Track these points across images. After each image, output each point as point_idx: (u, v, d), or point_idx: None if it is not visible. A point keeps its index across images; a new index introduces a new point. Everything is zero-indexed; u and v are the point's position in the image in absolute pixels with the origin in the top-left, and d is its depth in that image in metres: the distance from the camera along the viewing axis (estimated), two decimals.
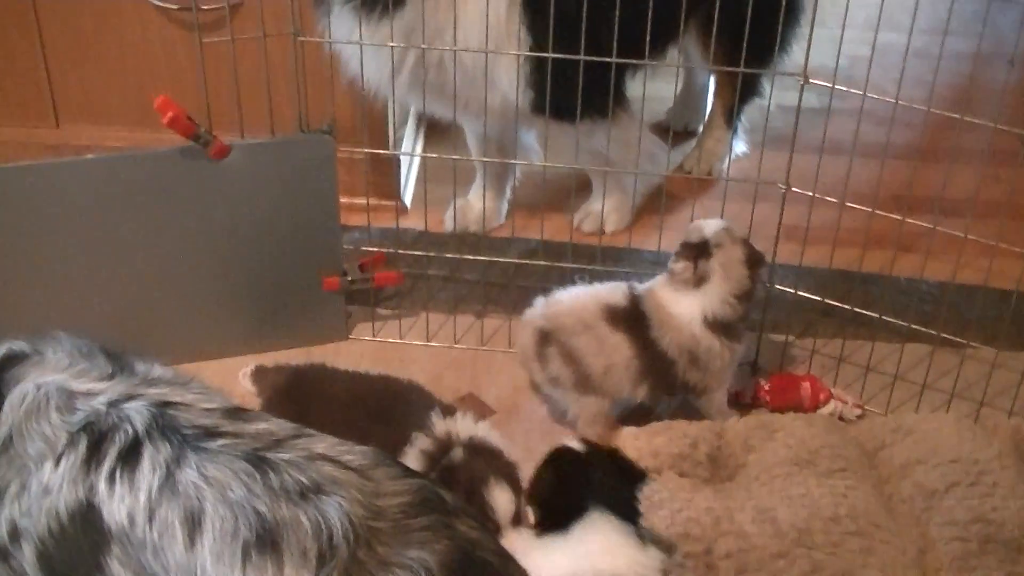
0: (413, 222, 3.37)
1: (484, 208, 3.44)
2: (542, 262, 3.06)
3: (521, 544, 2.19)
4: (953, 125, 2.65)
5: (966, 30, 2.86)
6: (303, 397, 2.65)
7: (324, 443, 1.84)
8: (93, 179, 2.79)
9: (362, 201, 3.10)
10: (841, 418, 2.83)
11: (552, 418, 2.84)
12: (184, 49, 3.31)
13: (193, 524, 1.73)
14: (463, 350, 3.03)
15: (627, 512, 2.24)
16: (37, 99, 3.49)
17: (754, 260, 2.69)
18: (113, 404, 1.86)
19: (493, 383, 2.87)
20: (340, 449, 1.83)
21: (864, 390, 2.91)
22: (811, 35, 2.64)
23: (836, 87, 2.67)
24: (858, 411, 2.86)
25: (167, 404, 1.88)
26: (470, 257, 3.11)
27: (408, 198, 3.58)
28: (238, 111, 2.83)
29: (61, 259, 2.81)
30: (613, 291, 2.76)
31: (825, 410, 2.83)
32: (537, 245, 3.24)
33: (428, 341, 3.05)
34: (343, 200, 2.97)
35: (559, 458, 2.35)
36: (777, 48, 3.21)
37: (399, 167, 3.52)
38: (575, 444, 2.36)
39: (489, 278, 3.23)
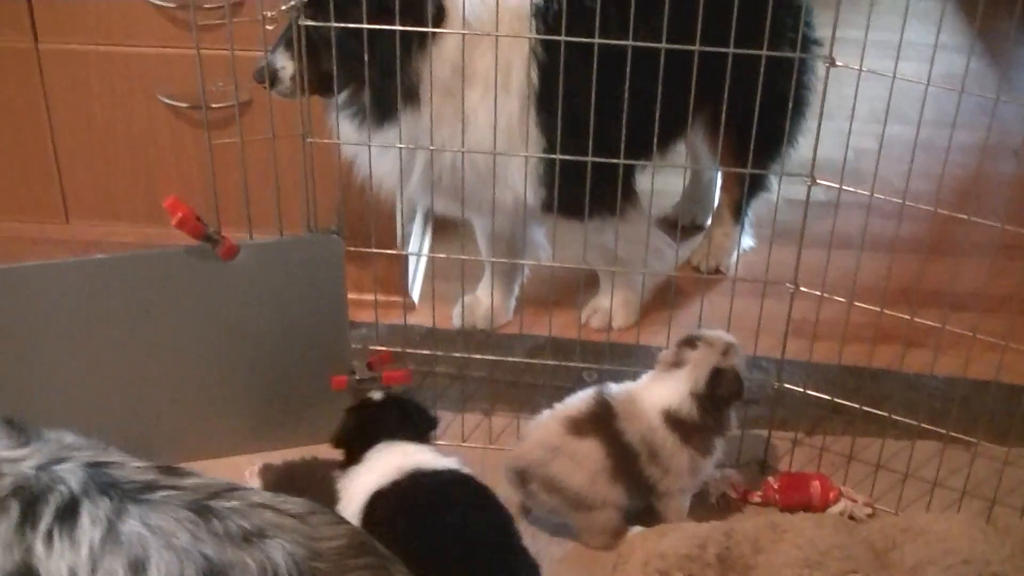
0: (421, 318, 3.37)
1: (492, 305, 3.44)
2: (550, 361, 3.05)
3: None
4: (961, 219, 2.65)
5: (972, 122, 2.86)
6: (301, 490, 2.64)
7: (260, 495, 1.94)
8: (102, 278, 2.79)
9: (370, 297, 3.10)
10: (851, 517, 2.81)
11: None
12: (193, 146, 3.33)
13: (138, 570, 1.78)
14: (471, 448, 3.02)
15: (417, 439, 2.68)
16: (47, 195, 3.51)
17: (725, 382, 2.70)
18: (42, 467, 1.91)
19: (502, 481, 2.85)
20: (277, 499, 1.92)
21: (874, 488, 2.90)
22: (818, 134, 2.65)
23: (843, 188, 2.67)
24: (869, 510, 2.84)
25: (100, 464, 1.93)
26: (478, 356, 3.10)
27: (416, 294, 3.59)
28: (247, 210, 2.84)
29: (69, 356, 2.82)
30: (577, 400, 2.77)
31: (835, 509, 2.82)
32: (545, 342, 3.24)
33: (436, 439, 3.03)
34: (351, 295, 2.98)
35: (358, 408, 2.73)
36: (784, 143, 3.22)
37: (407, 264, 3.52)
38: (375, 396, 2.76)
39: (497, 376, 3.22)
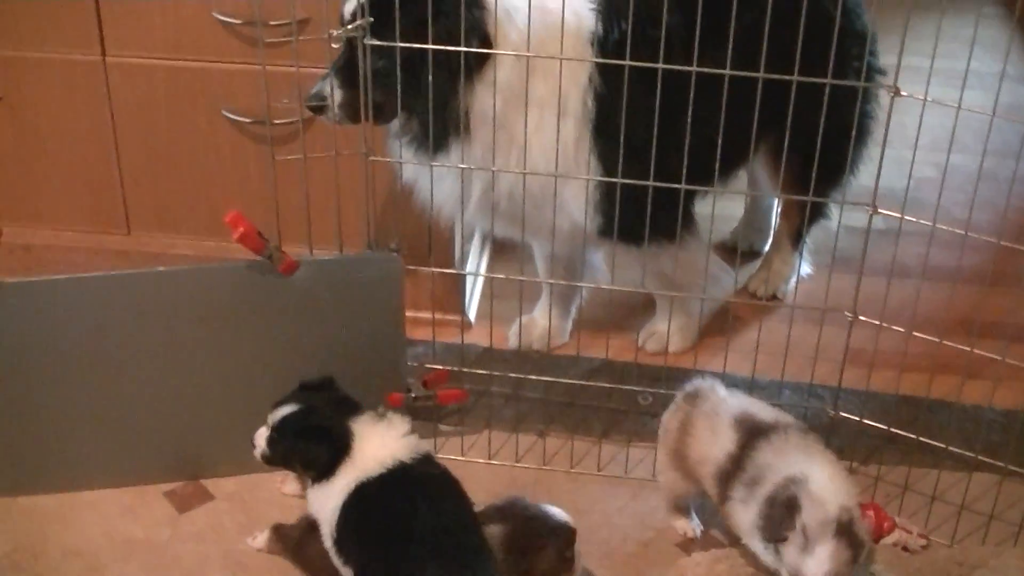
0: (477, 338, 3.38)
1: (549, 326, 3.45)
2: (606, 383, 3.05)
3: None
4: (1023, 251, 2.64)
5: None
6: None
7: None
8: (162, 290, 2.82)
9: (427, 315, 3.11)
10: (905, 548, 2.79)
11: (611, 543, 2.81)
12: (255, 162, 3.36)
13: None
14: (524, 469, 3.02)
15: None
16: (110, 207, 3.54)
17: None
18: None
19: (554, 504, 2.85)
20: None
21: (929, 520, 2.87)
22: (880, 163, 2.64)
23: (905, 217, 2.66)
24: (923, 541, 2.81)
25: None
26: (533, 376, 3.11)
27: (473, 314, 3.60)
28: (307, 226, 2.86)
29: (126, 368, 2.84)
30: (768, 411, 2.72)
31: (889, 540, 2.79)
32: (601, 364, 3.24)
33: (490, 459, 3.04)
34: (408, 313, 2.99)
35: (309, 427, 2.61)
36: (846, 172, 3.21)
37: (464, 283, 3.54)
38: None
39: (552, 397, 3.22)
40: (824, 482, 2.44)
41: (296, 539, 2.73)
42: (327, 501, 2.54)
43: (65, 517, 2.88)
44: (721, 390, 2.76)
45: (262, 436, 2.64)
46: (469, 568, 2.40)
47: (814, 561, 2.34)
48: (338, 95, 2.83)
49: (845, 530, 2.35)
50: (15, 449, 2.90)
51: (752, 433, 2.60)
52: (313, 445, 2.57)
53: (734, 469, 2.58)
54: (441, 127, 2.84)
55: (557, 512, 2.56)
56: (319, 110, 2.86)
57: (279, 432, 2.61)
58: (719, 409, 2.70)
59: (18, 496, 2.92)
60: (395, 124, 2.97)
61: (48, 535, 2.83)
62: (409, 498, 2.48)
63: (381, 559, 2.44)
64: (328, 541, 2.53)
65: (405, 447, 2.57)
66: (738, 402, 2.72)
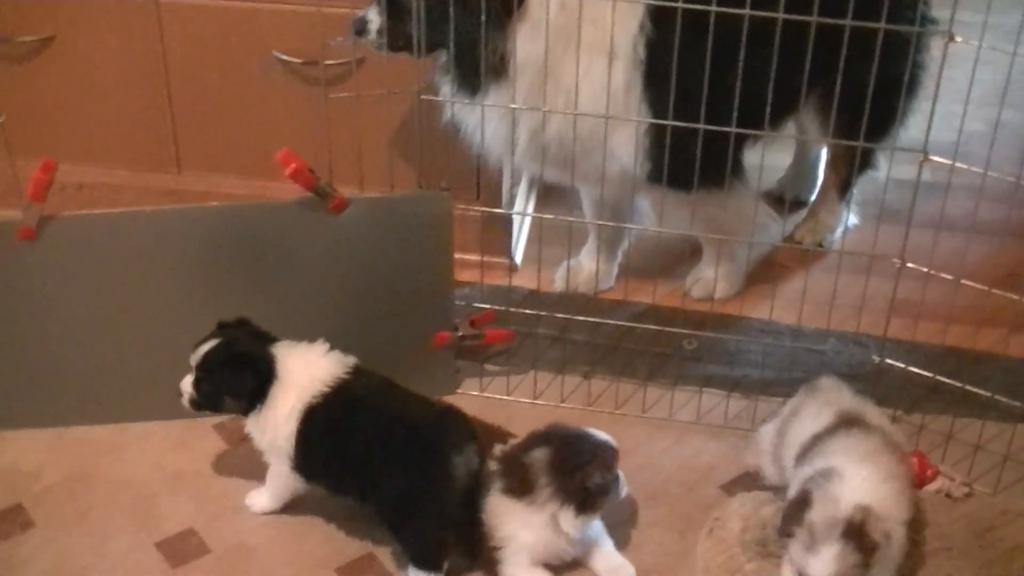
0: (523, 281, 3.40)
1: (596, 270, 3.46)
2: (651, 326, 3.06)
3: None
4: None
5: None
6: None
7: None
8: (213, 226, 2.86)
9: (473, 258, 3.13)
10: (948, 496, 2.79)
11: (655, 484, 2.84)
12: (305, 103, 3.36)
13: None
14: (569, 410, 3.03)
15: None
16: (161, 146, 3.56)
17: None
18: None
19: None
20: None
21: (972, 469, 2.87)
22: (933, 111, 2.63)
23: (956, 164, 2.65)
24: (966, 489, 2.81)
25: None
26: (580, 317, 3.12)
27: (519, 257, 3.61)
28: (358, 166, 2.87)
29: (176, 303, 2.88)
30: (874, 413, 2.65)
31: (932, 487, 2.80)
32: (647, 309, 3.25)
33: (535, 399, 3.07)
34: (455, 255, 3.00)
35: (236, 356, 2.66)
36: (896, 122, 3.20)
37: (511, 226, 3.55)
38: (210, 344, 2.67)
39: (597, 340, 3.24)
40: (850, 480, 2.36)
41: None
42: (277, 430, 2.62)
43: (117, 448, 2.93)
44: (845, 389, 2.71)
45: (187, 382, 2.68)
46: (431, 461, 2.51)
47: (817, 561, 2.28)
48: (380, 21, 2.86)
49: (855, 532, 2.27)
50: (66, 380, 2.94)
51: (839, 424, 2.54)
52: (238, 373, 2.64)
53: (804, 453, 2.55)
54: (472, 69, 2.85)
55: (598, 433, 2.60)
56: (360, 32, 2.90)
57: (203, 369, 2.66)
58: (830, 400, 2.66)
59: (70, 427, 2.97)
60: (439, 63, 2.98)
61: (100, 465, 2.88)
62: (361, 409, 2.61)
63: (349, 470, 2.57)
64: (284, 467, 2.64)
65: (335, 364, 2.67)
66: (852, 401, 2.65)
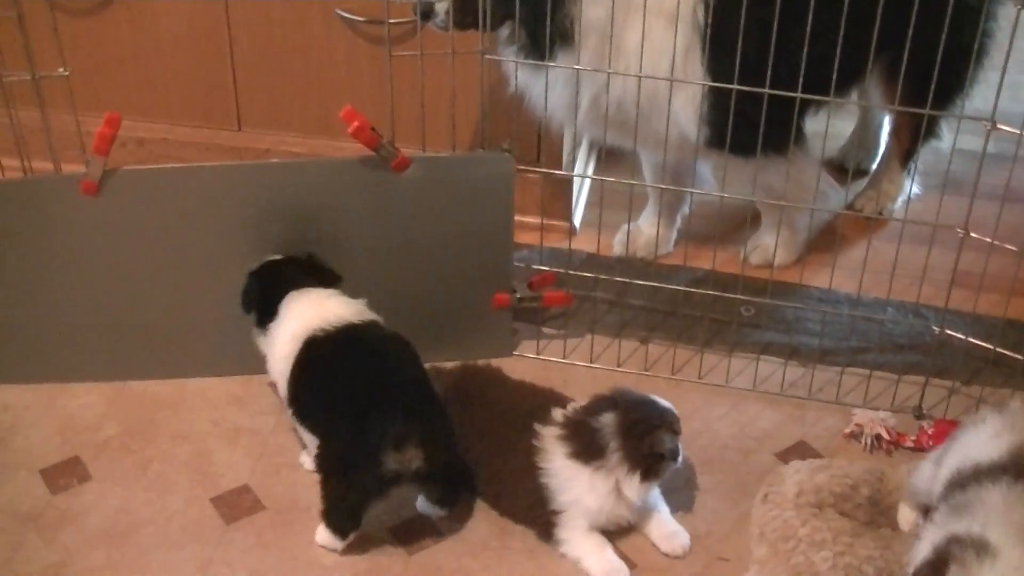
0: (582, 244, 3.39)
1: (656, 235, 3.45)
2: (710, 292, 3.05)
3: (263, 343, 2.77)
4: None
5: None
6: (468, 396, 2.77)
7: None
8: (274, 183, 2.86)
9: (533, 220, 3.13)
10: None
11: (711, 450, 2.84)
12: (367, 62, 3.37)
13: None
14: (626, 374, 3.04)
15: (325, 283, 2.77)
16: (222, 104, 3.58)
17: None
18: None
19: None
20: None
21: None
22: (1002, 79, 2.59)
23: None
24: None
25: None
26: (639, 282, 3.11)
27: (578, 220, 3.61)
28: (421, 125, 2.87)
29: (234, 260, 2.87)
30: None
31: None
32: (705, 275, 3.24)
33: (591, 363, 3.07)
34: (515, 218, 2.99)
35: (260, 269, 2.79)
36: (963, 91, 3.16)
37: (571, 189, 3.54)
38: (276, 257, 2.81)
39: (655, 305, 3.23)
40: (1004, 565, 1.99)
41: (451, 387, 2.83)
42: (277, 359, 2.70)
43: (174, 403, 2.95)
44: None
45: None
46: (424, 420, 2.50)
47: None
48: (447, 1, 2.84)
49: None
50: (126, 335, 2.97)
51: (1012, 467, 2.18)
52: (248, 282, 2.79)
53: (957, 483, 2.25)
54: (547, 35, 2.83)
55: (661, 399, 2.60)
56: (426, 16, 2.88)
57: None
58: (1014, 426, 2.31)
59: (128, 381, 3.00)
60: (503, 32, 2.97)
61: (157, 420, 2.91)
62: (358, 354, 2.62)
63: (337, 417, 2.55)
64: (287, 405, 2.69)
65: (354, 311, 2.71)
66: None
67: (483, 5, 2.76)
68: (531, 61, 2.90)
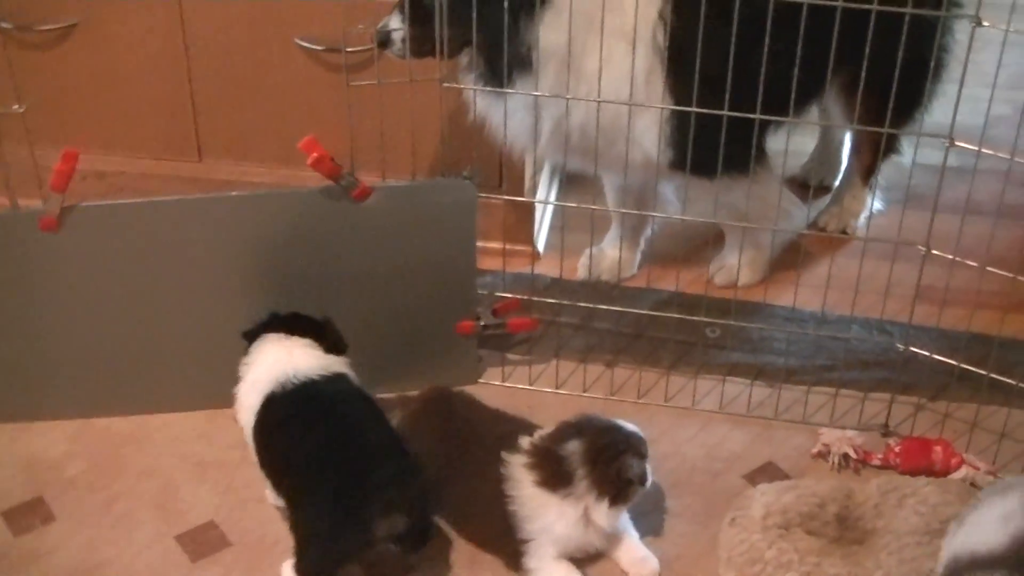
0: (546, 269, 3.38)
1: (619, 258, 3.44)
2: (674, 314, 3.05)
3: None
4: None
5: None
6: (436, 419, 2.76)
7: None
8: (235, 215, 2.84)
9: (495, 245, 3.12)
10: (973, 484, 2.77)
11: (680, 473, 2.83)
12: (327, 91, 3.35)
13: None
14: (592, 399, 3.03)
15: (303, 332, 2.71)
16: (183, 135, 3.56)
17: None
18: None
19: None
20: None
21: (997, 457, 2.86)
22: (959, 96, 2.60)
23: (982, 151, 2.62)
24: (991, 478, 2.80)
25: None
26: (603, 306, 3.11)
27: (542, 245, 3.60)
28: (381, 154, 2.86)
29: (197, 293, 2.88)
30: None
31: (957, 475, 2.78)
32: (670, 297, 3.24)
33: (557, 388, 3.06)
34: (478, 243, 2.98)
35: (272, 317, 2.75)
36: (921, 107, 3.18)
37: (535, 214, 3.54)
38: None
39: (621, 328, 3.23)
40: None
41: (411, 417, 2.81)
42: (243, 411, 2.68)
43: (139, 439, 2.93)
44: None
45: None
46: (409, 485, 2.46)
47: None
48: (404, 30, 2.84)
49: None
50: (89, 372, 2.94)
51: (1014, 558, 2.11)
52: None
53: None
54: (504, 62, 2.83)
55: (627, 423, 2.59)
56: (384, 44, 2.88)
57: None
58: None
59: (92, 418, 2.97)
60: (463, 59, 2.97)
61: (123, 456, 2.88)
62: (325, 417, 2.57)
63: (315, 486, 2.48)
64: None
65: (317, 364, 2.66)
66: None
67: (440, 33, 2.76)
68: (489, 88, 2.90)
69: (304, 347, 2.68)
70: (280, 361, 2.65)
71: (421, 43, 2.83)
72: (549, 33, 2.81)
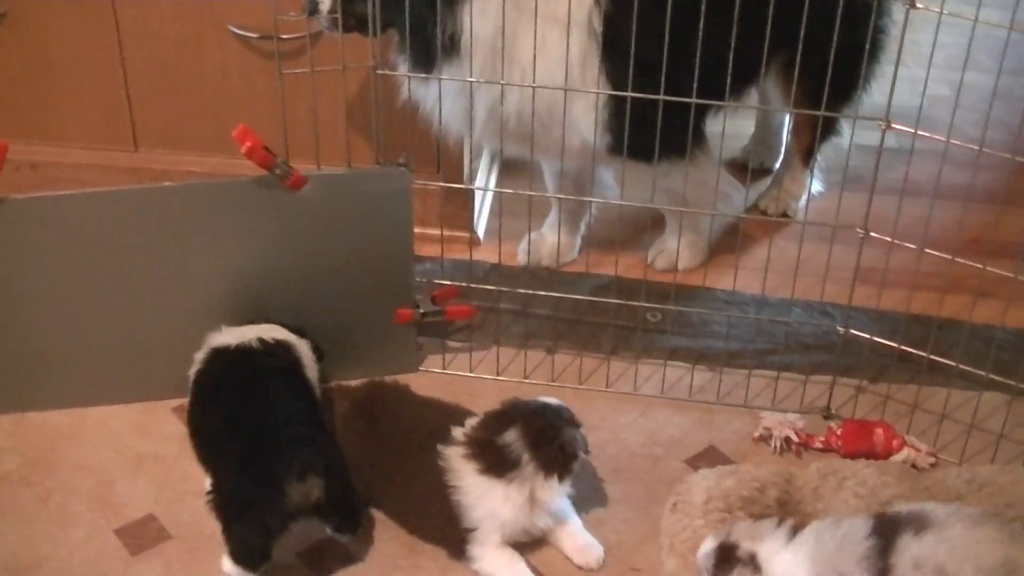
0: (485, 255, 3.38)
1: (558, 243, 3.43)
2: (614, 300, 3.04)
3: None
4: None
5: None
6: (375, 413, 2.73)
7: None
8: (169, 206, 2.81)
9: (435, 232, 3.10)
10: (914, 466, 2.79)
11: (620, 459, 2.82)
12: (263, 78, 3.33)
13: None
14: (533, 385, 3.01)
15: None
16: (117, 123, 3.52)
17: None
18: None
19: None
20: None
21: (938, 438, 2.87)
22: (895, 79, 2.60)
23: (919, 133, 2.63)
24: (932, 459, 2.81)
25: None
26: (542, 293, 3.10)
27: (481, 231, 3.59)
28: (315, 142, 2.84)
29: (132, 285, 2.85)
30: None
31: (898, 458, 2.80)
32: (610, 282, 3.23)
33: (498, 375, 3.05)
34: (416, 230, 2.96)
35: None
36: (859, 88, 3.18)
37: (473, 199, 3.52)
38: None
39: (561, 314, 3.22)
40: None
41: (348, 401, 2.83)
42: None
43: (75, 433, 2.89)
44: None
45: None
46: (324, 448, 2.50)
47: None
48: (328, 2, 2.83)
49: None
50: (23, 366, 2.90)
51: None
52: None
53: None
54: (425, 47, 2.81)
55: (548, 399, 2.62)
56: (313, 12, 2.87)
57: None
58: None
59: (27, 412, 2.93)
60: (395, 41, 2.95)
61: (58, 450, 2.84)
62: (245, 383, 2.66)
63: (230, 450, 2.52)
64: None
65: (257, 332, 2.75)
66: None
67: (372, 11, 2.74)
68: (422, 76, 2.88)
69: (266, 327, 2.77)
70: (228, 333, 2.73)
71: (348, 16, 2.82)
72: (478, 20, 2.79)
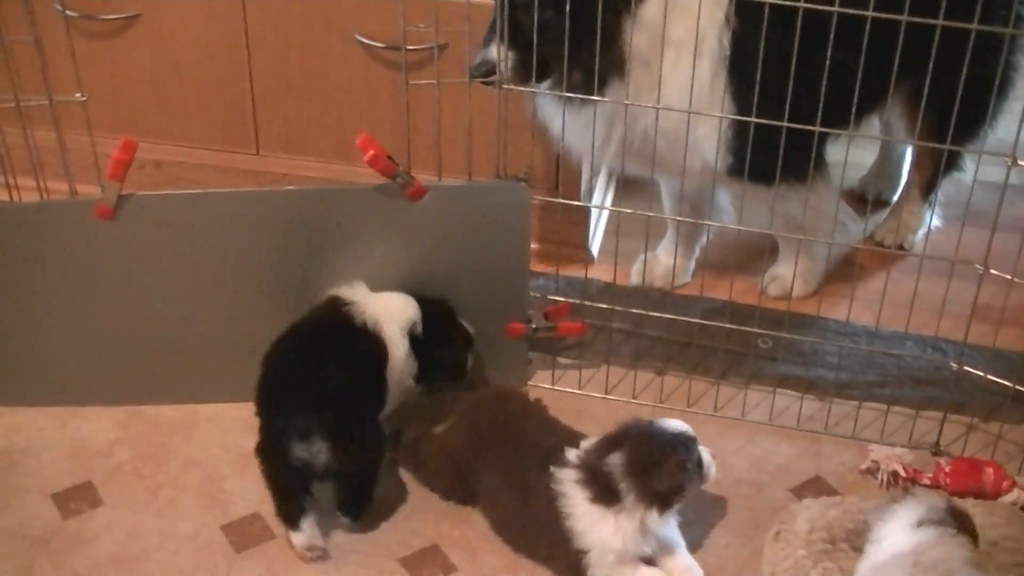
0: (599, 273, 3.38)
1: (673, 265, 3.43)
2: (726, 324, 3.03)
3: None
4: None
5: None
6: (492, 423, 2.73)
7: None
8: (290, 209, 2.85)
9: (549, 248, 3.11)
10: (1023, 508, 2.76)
11: (725, 484, 2.81)
12: (385, 88, 3.36)
13: None
14: (641, 405, 3.01)
15: None
16: (241, 127, 3.58)
17: None
18: None
19: None
20: None
21: None
22: (1023, 115, 2.57)
23: None
24: None
25: None
26: (655, 313, 3.09)
27: (596, 249, 3.59)
28: (437, 153, 2.86)
29: (249, 286, 2.90)
30: None
31: (1007, 499, 2.75)
32: (723, 306, 3.21)
33: (607, 394, 3.05)
34: (531, 246, 2.98)
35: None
36: (985, 124, 3.14)
37: (589, 217, 3.53)
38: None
39: (672, 335, 3.21)
40: None
41: (411, 443, 2.82)
42: None
43: (186, 429, 2.94)
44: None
45: None
46: (328, 416, 2.57)
47: None
48: (510, 58, 2.82)
49: None
50: (139, 359, 2.96)
51: None
52: None
53: None
54: (603, 70, 2.81)
55: (674, 423, 2.57)
56: (489, 75, 2.84)
57: None
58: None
59: (143, 405, 2.99)
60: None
61: (169, 445, 2.90)
62: (301, 344, 2.76)
63: (264, 403, 2.67)
64: None
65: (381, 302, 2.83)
66: None
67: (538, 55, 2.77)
68: (548, 92, 2.89)
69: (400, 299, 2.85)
70: (356, 291, 2.84)
71: (528, 68, 2.81)
72: (636, 39, 2.81)
